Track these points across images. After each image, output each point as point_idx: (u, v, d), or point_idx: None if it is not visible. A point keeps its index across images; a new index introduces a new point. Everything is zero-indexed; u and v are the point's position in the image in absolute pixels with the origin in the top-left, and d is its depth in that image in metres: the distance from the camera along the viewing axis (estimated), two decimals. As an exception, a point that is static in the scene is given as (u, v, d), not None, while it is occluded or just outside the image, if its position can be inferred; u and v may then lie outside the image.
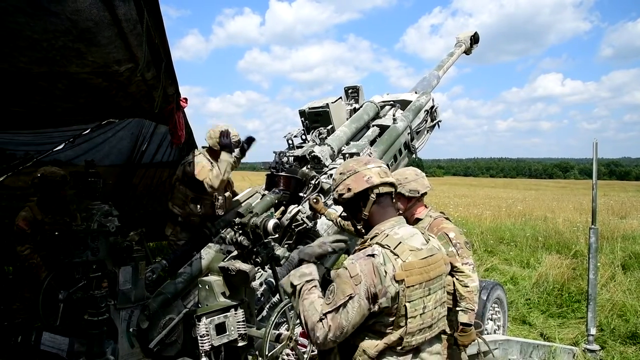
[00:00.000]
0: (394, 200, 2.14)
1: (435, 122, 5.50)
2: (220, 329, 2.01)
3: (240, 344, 2.09)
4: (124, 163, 6.05)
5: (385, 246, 1.87)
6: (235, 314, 2.10)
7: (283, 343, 2.08)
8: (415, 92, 5.59)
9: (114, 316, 2.74)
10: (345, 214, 2.22)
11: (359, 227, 2.12)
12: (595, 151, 4.51)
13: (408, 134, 4.88)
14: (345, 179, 2.07)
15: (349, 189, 2.03)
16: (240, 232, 2.10)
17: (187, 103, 2.63)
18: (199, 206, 3.97)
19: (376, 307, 1.80)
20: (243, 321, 2.12)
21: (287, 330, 2.17)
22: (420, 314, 1.87)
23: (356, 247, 2.01)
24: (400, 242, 1.88)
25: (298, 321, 2.44)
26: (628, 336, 4.84)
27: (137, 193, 6.23)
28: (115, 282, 2.76)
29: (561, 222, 11.35)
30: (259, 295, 2.65)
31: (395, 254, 1.85)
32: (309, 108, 4.58)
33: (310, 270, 2.05)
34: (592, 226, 4.50)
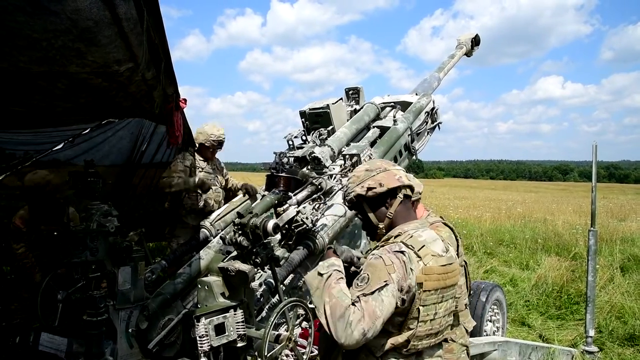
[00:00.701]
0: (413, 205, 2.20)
1: (435, 123, 5.49)
2: (220, 329, 2.01)
3: (240, 344, 2.09)
4: (123, 163, 6.04)
5: (410, 246, 1.88)
6: (235, 314, 2.09)
7: (282, 344, 2.07)
8: (416, 94, 5.58)
9: (113, 317, 2.73)
10: (360, 217, 2.22)
11: (380, 227, 2.11)
12: (595, 154, 4.51)
13: (408, 135, 4.87)
14: (375, 175, 2.11)
15: (381, 184, 2.07)
16: (240, 232, 2.09)
17: (186, 104, 2.63)
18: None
19: (401, 303, 1.79)
20: (242, 322, 2.12)
21: (287, 331, 2.17)
22: (431, 320, 1.86)
23: (377, 244, 2.03)
24: (424, 246, 1.89)
25: (297, 322, 2.43)
26: (626, 338, 4.85)
27: (137, 193, 6.23)
28: (115, 282, 2.75)
29: (560, 225, 11.37)
30: (259, 296, 2.65)
31: (418, 256, 1.86)
32: (310, 109, 4.57)
33: (339, 262, 2.06)
34: (592, 228, 4.50)
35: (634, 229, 11.09)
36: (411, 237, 1.93)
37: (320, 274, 1.94)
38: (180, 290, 3.03)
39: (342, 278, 1.95)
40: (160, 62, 2.12)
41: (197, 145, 4.86)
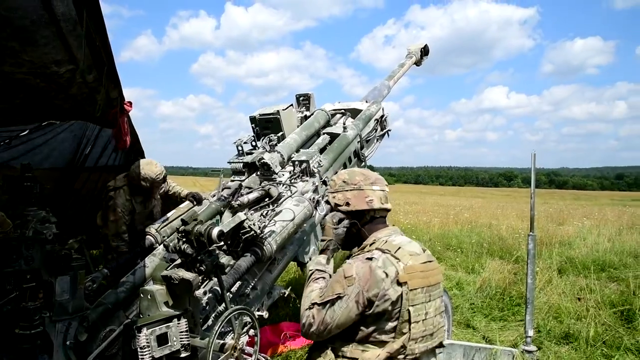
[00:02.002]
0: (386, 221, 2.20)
1: (385, 131, 5.61)
2: (162, 339, 1.96)
3: (183, 354, 2.04)
4: (65, 166, 5.78)
5: (386, 251, 1.90)
6: (178, 324, 2.05)
7: (227, 352, 2.05)
8: (366, 101, 5.68)
9: (49, 329, 2.59)
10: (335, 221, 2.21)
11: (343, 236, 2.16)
12: (534, 162, 4.74)
13: (358, 142, 4.94)
14: (346, 191, 2.11)
15: (348, 204, 2.09)
16: (184, 240, 2.05)
17: (131, 107, 2.55)
18: None
19: (369, 311, 1.79)
20: (186, 331, 2.07)
21: (233, 340, 2.14)
22: (423, 320, 1.86)
23: (355, 252, 2.05)
24: (400, 247, 1.91)
25: (244, 330, 2.41)
26: (562, 336, 5.12)
27: (79, 198, 5.98)
28: (52, 292, 2.62)
29: (504, 229, 11.83)
30: (204, 304, 2.60)
31: (396, 258, 1.87)
32: (260, 114, 4.56)
33: (325, 262, 2.10)
34: (531, 233, 4.72)
35: (571, 233, 11.69)
36: (386, 242, 1.96)
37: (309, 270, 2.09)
38: (123, 299, 2.92)
39: (322, 278, 2.02)
40: (103, 66, 2.05)
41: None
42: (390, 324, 1.84)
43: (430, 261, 1.98)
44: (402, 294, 1.82)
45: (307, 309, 1.89)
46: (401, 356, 1.84)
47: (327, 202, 2.26)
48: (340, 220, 2.22)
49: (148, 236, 3.50)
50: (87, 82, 2.19)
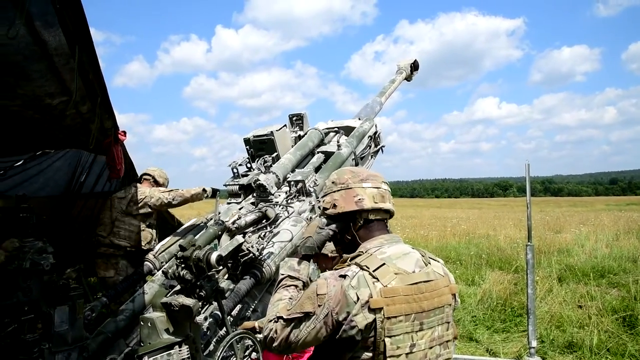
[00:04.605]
0: (387, 226, 1.87)
1: (379, 147, 5.64)
2: (164, 368, 1.94)
3: (186, 382, 2.03)
4: (61, 194, 5.76)
5: (364, 267, 1.59)
6: (180, 350, 2.03)
7: (230, 378, 2.03)
8: (359, 119, 5.73)
9: (48, 360, 2.57)
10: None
11: (336, 247, 1.88)
12: (528, 172, 4.78)
13: (352, 159, 4.97)
14: (334, 192, 1.83)
15: (335, 206, 1.80)
16: (183, 265, 2.05)
17: (125, 136, 2.57)
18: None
19: (337, 336, 1.55)
20: (188, 358, 2.06)
21: (235, 364, 2.13)
22: (407, 354, 1.55)
23: (337, 266, 1.74)
24: (384, 264, 1.61)
25: (246, 353, 2.39)
26: (566, 346, 5.10)
27: (76, 226, 5.94)
28: (50, 323, 2.60)
29: (502, 239, 11.84)
30: (205, 330, 2.59)
31: (374, 277, 1.56)
32: (254, 136, 4.58)
33: (301, 267, 1.85)
34: (528, 243, 4.74)
35: (569, 240, 11.71)
36: (370, 255, 1.66)
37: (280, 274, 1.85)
38: (123, 327, 2.91)
39: (294, 286, 1.80)
40: (97, 97, 2.07)
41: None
42: (367, 354, 1.55)
43: (428, 280, 1.65)
44: (375, 321, 1.51)
45: (270, 321, 1.66)
46: None
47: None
48: (329, 224, 1.93)
49: (146, 262, 3.49)
50: (81, 112, 2.21)
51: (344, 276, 1.58)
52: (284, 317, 1.62)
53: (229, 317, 2.75)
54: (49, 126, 2.64)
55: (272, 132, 4.49)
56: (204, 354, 2.44)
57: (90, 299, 3.07)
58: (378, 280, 1.55)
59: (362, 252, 1.70)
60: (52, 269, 2.69)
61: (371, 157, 5.58)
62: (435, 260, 1.80)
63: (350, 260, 1.67)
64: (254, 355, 2.45)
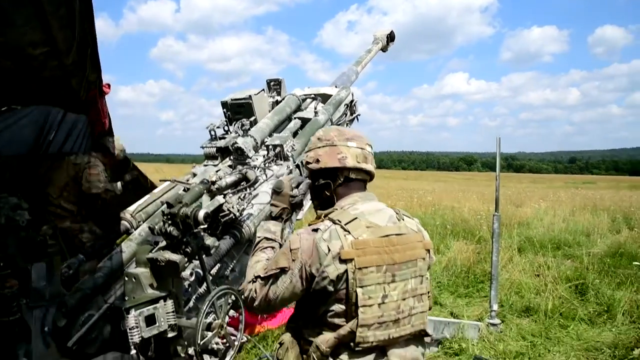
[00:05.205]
0: (366, 188, 1.92)
1: (354, 115, 5.69)
2: (150, 320, 1.98)
3: (170, 334, 2.07)
4: (26, 153, 5.58)
5: (337, 221, 1.63)
6: (165, 304, 2.08)
7: (214, 331, 2.09)
8: (335, 87, 5.74)
9: (26, 316, 2.57)
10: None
11: (314, 203, 1.93)
12: (499, 146, 4.95)
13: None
14: (318, 147, 1.84)
15: (318, 161, 1.82)
16: (170, 222, 2.07)
17: (110, 89, 2.52)
18: None
19: (311, 288, 1.60)
20: (173, 312, 2.10)
21: (216, 319, 2.19)
22: (379, 304, 1.58)
23: (311, 221, 1.79)
24: (356, 218, 1.65)
25: (228, 308, 2.45)
26: (523, 310, 5.45)
27: (43, 185, 5.80)
28: (28, 279, 2.59)
29: (466, 211, 12.23)
30: (187, 286, 2.63)
31: (345, 230, 1.60)
32: (232, 99, 4.54)
33: (275, 229, 1.91)
34: (495, 213, 4.95)
35: (529, 214, 12.23)
36: (343, 211, 1.70)
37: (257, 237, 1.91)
38: (101, 284, 2.91)
39: (271, 247, 1.85)
40: (87, 48, 2.01)
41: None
42: (340, 306, 1.59)
43: (400, 234, 1.68)
44: (346, 272, 1.55)
45: (249, 282, 1.73)
46: (352, 343, 1.57)
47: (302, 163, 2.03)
48: (298, 184, 2.05)
49: (123, 221, 3.47)
50: (64, 64, 2.15)
51: (316, 230, 1.63)
52: (262, 275, 1.68)
53: (209, 275, 2.80)
54: (25, 79, 2.55)
55: (250, 96, 4.46)
56: (185, 310, 2.50)
57: (67, 257, 3.05)
58: (349, 233, 1.60)
59: (336, 208, 1.76)
60: (28, 225, 2.66)
61: (347, 125, 5.63)
62: (409, 218, 1.86)
63: (324, 217, 1.72)
64: (231, 312, 2.52)
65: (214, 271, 2.99)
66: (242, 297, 1.81)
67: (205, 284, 2.68)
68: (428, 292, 1.82)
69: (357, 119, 5.88)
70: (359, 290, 1.55)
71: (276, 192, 2.10)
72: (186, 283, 2.65)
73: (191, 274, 2.23)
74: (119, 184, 4.98)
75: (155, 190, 3.94)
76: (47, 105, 4.58)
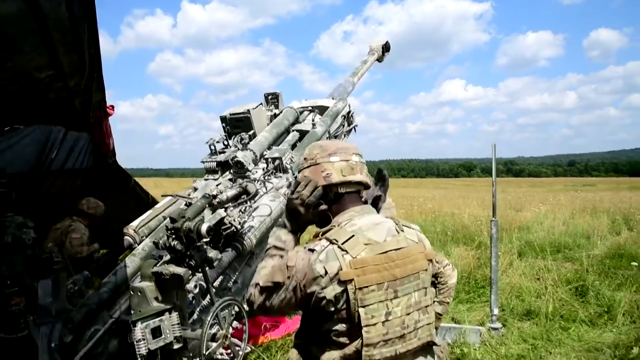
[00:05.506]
0: (362, 197, 1.86)
1: (352, 126, 5.77)
2: (156, 332, 2.04)
3: (176, 346, 2.13)
4: (29, 171, 5.66)
5: (334, 241, 1.61)
6: (170, 317, 2.14)
7: (219, 342, 2.15)
8: (332, 98, 5.82)
9: (33, 333, 2.62)
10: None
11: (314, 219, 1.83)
12: (494, 152, 5.02)
13: (327, 138, 5.08)
14: (305, 168, 1.82)
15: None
16: (174, 236, 2.14)
17: (114, 110, 2.59)
18: None
19: (313, 307, 1.58)
20: (178, 324, 2.16)
21: (220, 330, 2.24)
22: (383, 322, 1.56)
23: (309, 240, 1.76)
24: (353, 236, 1.62)
25: (231, 320, 2.51)
26: (524, 313, 5.48)
27: (45, 203, 5.87)
28: (34, 296, 2.65)
29: (466, 217, 12.26)
30: (190, 299, 2.69)
31: (343, 250, 1.57)
32: (230, 114, 4.63)
33: (286, 238, 1.83)
34: (493, 219, 5.01)
35: (529, 218, 12.26)
36: (340, 229, 1.67)
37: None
38: (106, 299, 2.96)
39: (275, 255, 1.79)
40: (94, 72, 2.09)
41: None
42: (343, 325, 1.57)
43: (399, 248, 1.65)
44: (346, 293, 1.53)
45: (252, 286, 1.73)
46: None
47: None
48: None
49: (126, 237, 3.53)
50: (68, 86, 2.23)
51: (312, 250, 1.60)
52: (260, 284, 1.68)
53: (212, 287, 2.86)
54: (30, 100, 2.63)
55: (248, 110, 4.55)
56: (189, 322, 2.55)
57: (72, 273, 3.10)
58: (347, 252, 1.56)
59: (333, 225, 1.71)
60: (34, 243, 2.72)
61: (344, 136, 5.71)
62: (409, 228, 1.80)
63: (321, 235, 1.68)
64: (235, 323, 2.57)
65: (216, 283, 3.04)
66: (245, 297, 1.79)
67: (208, 296, 2.74)
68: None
69: (355, 130, 5.96)
70: (361, 310, 1.53)
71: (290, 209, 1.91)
72: (190, 295, 2.70)
73: (195, 287, 2.29)
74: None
75: (157, 206, 4.00)
76: (51, 125, 4.67)
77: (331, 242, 1.60)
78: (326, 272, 1.53)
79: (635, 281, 6.31)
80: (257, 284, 1.70)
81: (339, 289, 1.53)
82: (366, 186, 1.86)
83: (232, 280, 3.15)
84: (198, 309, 2.85)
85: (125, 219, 4.48)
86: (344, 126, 5.63)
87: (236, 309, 2.29)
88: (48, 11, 1.54)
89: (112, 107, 2.61)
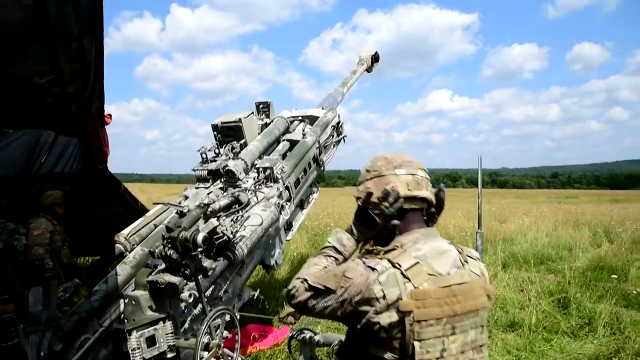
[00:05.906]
0: (424, 217, 1.77)
1: (341, 136, 5.84)
2: (151, 341, 2.06)
3: (169, 355, 2.15)
4: (16, 175, 5.61)
5: (397, 265, 1.51)
6: (164, 326, 2.16)
7: (212, 351, 2.17)
8: (322, 108, 5.89)
9: (23, 341, 2.61)
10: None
11: (370, 236, 1.79)
12: (480, 163, 5.13)
13: (317, 148, 5.13)
14: (367, 180, 1.75)
15: (369, 194, 1.71)
16: (170, 245, 2.16)
17: (111, 119, 2.61)
18: None
19: (362, 327, 1.51)
20: (171, 333, 2.18)
21: (211, 341, 2.26)
22: (437, 358, 1.47)
23: (371, 249, 1.68)
24: (417, 262, 1.52)
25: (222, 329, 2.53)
26: (508, 325, 5.58)
27: (33, 207, 5.81)
28: (25, 304, 2.64)
29: (452, 228, 12.38)
30: (183, 308, 2.71)
31: (405, 277, 1.48)
32: (222, 122, 4.66)
33: (348, 243, 1.79)
34: (478, 230, 5.11)
35: (513, 230, 12.44)
36: (404, 252, 1.58)
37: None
38: (97, 308, 2.96)
39: (333, 257, 1.76)
40: (97, 81, 2.12)
41: None
42: (393, 355, 1.48)
43: (463, 283, 1.55)
44: (403, 323, 1.45)
45: (298, 279, 1.66)
46: None
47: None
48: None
49: (117, 244, 3.53)
50: (66, 91, 2.24)
51: (373, 269, 1.51)
52: (309, 282, 1.61)
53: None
54: (26, 105, 2.64)
55: (240, 119, 4.59)
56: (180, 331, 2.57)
57: (63, 280, 3.10)
58: (409, 281, 1.48)
59: (396, 246, 1.62)
60: (25, 250, 2.72)
61: (334, 146, 5.77)
62: (471, 258, 1.71)
63: (383, 254, 1.59)
64: (225, 333, 2.59)
65: (208, 292, 3.06)
66: (287, 288, 1.72)
67: (200, 305, 2.76)
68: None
69: (344, 140, 6.03)
70: (416, 343, 1.45)
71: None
72: (183, 304, 2.72)
73: (190, 296, 2.31)
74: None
75: (148, 214, 4.01)
76: (47, 130, 4.65)
77: (394, 266, 1.51)
78: (384, 297, 1.46)
79: (615, 293, 6.47)
80: (305, 280, 1.63)
81: (395, 318, 1.45)
82: (430, 204, 1.76)
83: (223, 289, 3.17)
84: (189, 318, 2.87)
85: (114, 226, 4.48)
86: (333, 136, 5.69)
87: (228, 318, 2.31)
88: (55, 20, 1.57)
89: (110, 116, 2.64)
